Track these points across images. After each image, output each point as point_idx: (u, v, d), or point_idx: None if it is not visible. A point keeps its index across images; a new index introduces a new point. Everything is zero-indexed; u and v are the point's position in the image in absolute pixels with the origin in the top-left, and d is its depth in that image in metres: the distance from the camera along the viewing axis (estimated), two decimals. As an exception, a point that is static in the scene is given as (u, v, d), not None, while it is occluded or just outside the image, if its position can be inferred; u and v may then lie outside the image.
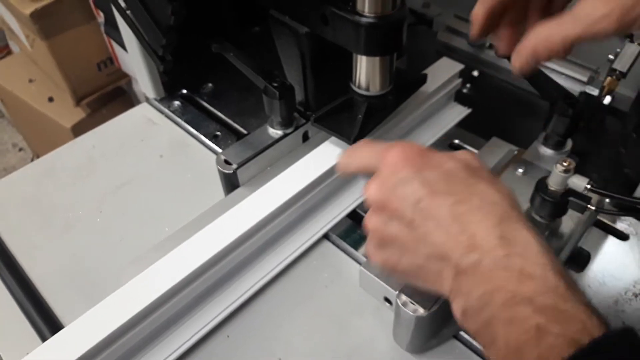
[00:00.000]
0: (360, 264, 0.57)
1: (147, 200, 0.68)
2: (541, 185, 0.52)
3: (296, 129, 0.66)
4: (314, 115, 0.62)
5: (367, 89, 0.60)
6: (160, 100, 0.80)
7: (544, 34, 0.42)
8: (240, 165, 0.62)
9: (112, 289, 0.49)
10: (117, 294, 0.49)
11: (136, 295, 0.49)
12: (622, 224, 0.62)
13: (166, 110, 0.79)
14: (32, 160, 2.01)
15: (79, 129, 1.50)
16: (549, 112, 0.60)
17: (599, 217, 0.62)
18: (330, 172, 0.61)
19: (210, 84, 0.82)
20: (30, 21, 1.33)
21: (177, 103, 0.80)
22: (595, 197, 0.51)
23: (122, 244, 0.63)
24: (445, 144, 0.73)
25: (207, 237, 0.54)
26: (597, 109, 0.74)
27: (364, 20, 0.52)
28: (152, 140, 0.76)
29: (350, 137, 0.59)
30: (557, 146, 0.61)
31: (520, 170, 0.59)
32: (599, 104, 0.73)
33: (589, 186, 0.50)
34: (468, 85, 0.84)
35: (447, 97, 0.75)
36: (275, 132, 0.66)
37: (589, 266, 0.57)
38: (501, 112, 0.81)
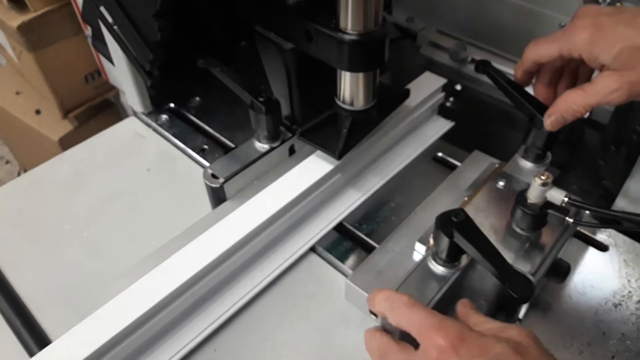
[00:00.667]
0: (346, 276, 0.58)
1: (134, 214, 0.68)
2: (521, 198, 0.53)
3: (282, 142, 0.67)
4: (299, 130, 0.63)
5: (352, 104, 0.61)
6: (148, 114, 0.81)
7: (569, 101, 0.53)
8: (227, 179, 0.62)
9: (99, 303, 0.50)
10: (105, 308, 0.50)
11: (123, 309, 0.49)
12: (602, 235, 0.63)
13: (154, 124, 0.80)
14: (19, 173, 2.00)
15: (66, 142, 1.49)
16: (528, 126, 0.61)
17: (579, 228, 0.63)
18: (317, 185, 0.62)
19: (197, 98, 0.83)
20: (18, 34, 1.32)
21: (164, 117, 0.80)
22: (573, 210, 0.53)
23: (109, 258, 0.63)
24: (429, 156, 0.74)
25: (194, 251, 0.54)
26: (577, 122, 0.75)
27: (347, 37, 0.54)
28: (139, 154, 0.76)
29: (335, 151, 0.60)
30: (537, 159, 0.62)
31: (501, 183, 0.60)
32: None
33: (566, 199, 0.51)
34: (451, 99, 0.85)
35: (430, 111, 0.76)
36: (261, 146, 0.66)
37: (569, 277, 0.58)
38: (484, 125, 0.82)
